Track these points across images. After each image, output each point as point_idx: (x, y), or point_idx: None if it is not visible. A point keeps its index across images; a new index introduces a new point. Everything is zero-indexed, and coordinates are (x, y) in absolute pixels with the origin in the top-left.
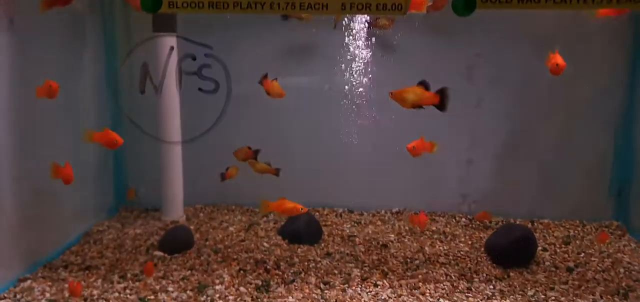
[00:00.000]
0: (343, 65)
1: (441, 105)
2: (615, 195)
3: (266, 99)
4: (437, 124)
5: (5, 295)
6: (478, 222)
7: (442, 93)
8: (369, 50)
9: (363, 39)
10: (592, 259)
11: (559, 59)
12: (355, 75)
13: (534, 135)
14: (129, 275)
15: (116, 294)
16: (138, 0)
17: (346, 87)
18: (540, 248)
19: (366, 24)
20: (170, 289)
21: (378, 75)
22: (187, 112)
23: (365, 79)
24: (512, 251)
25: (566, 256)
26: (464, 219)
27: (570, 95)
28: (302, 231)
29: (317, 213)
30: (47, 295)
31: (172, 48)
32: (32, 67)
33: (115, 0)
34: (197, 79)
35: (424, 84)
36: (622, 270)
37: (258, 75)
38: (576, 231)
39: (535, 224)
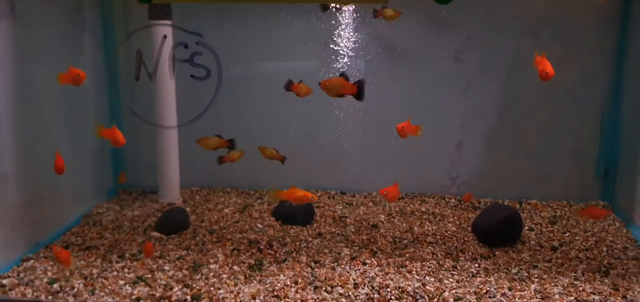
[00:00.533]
0: (336, 50)
1: (358, 95)
2: (602, 176)
3: (259, 83)
4: (428, 107)
5: (9, 274)
6: (467, 204)
7: (359, 84)
8: (362, 35)
9: (356, 23)
10: (577, 238)
11: (548, 67)
12: (347, 60)
13: (523, 118)
14: (127, 255)
15: (115, 273)
16: None
17: (338, 71)
18: (526, 228)
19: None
20: (167, 268)
21: (369, 60)
22: (184, 98)
23: (357, 64)
24: (498, 230)
25: (551, 235)
26: (453, 200)
27: (558, 78)
28: (295, 212)
29: None
30: (49, 274)
31: (165, 36)
32: (33, 53)
33: None
34: (189, 66)
35: (344, 76)
36: (605, 249)
37: (251, 59)
38: (563, 211)
39: (523, 204)
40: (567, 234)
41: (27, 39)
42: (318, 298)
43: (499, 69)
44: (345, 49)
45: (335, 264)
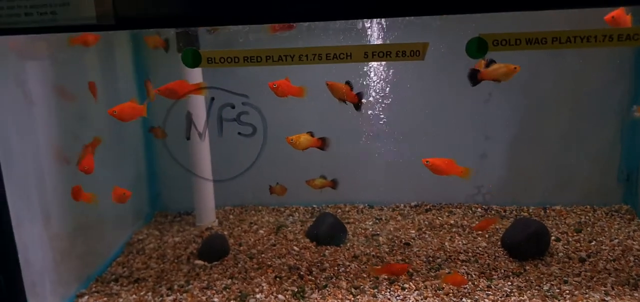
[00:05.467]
0: (359, 66)
1: (356, 106)
2: (624, 180)
3: (283, 97)
4: (452, 120)
5: None
6: (494, 212)
7: (359, 95)
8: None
9: (376, 37)
10: (603, 247)
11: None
12: (370, 73)
13: (544, 126)
14: (175, 286)
15: None
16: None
17: (362, 84)
18: (553, 238)
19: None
20: (216, 299)
21: (393, 72)
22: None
23: (382, 76)
24: (527, 245)
25: (578, 245)
26: (479, 209)
27: (578, 86)
28: (329, 233)
29: (340, 210)
30: None
31: (213, 99)
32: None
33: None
34: (236, 125)
35: (349, 84)
36: (632, 258)
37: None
38: (587, 217)
39: (548, 211)
40: (593, 243)
41: (66, 76)
42: None
43: (519, 79)
44: (371, 65)
45: (376, 290)
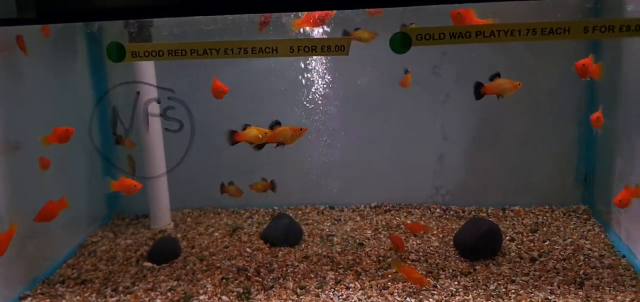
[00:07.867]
0: (316, 65)
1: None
2: (582, 181)
3: (246, 99)
4: (409, 121)
5: None
6: (452, 212)
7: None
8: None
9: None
10: (556, 247)
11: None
12: (329, 75)
13: (503, 126)
14: (120, 288)
15: None
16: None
17: (321, 87)
18: (508, 238)
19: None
20: (158, 301)
21: (350, 74)
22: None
23: (339, 78)
24: (478, 245)
25: (531, 245)
26: (438, 210)
27: (536, 87)
28: (283, 234)
29: (300, 211)
30: None
31: (138, 92)
32: (20, 88)
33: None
34: (163, 120)
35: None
36: (582, 258)
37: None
38: (545, 217)
39: (507, 212)
40: (546, 243)
41: (14, 76)
42: None
43: (475, 80)
44: (325, 64)
45: (320, 290)
